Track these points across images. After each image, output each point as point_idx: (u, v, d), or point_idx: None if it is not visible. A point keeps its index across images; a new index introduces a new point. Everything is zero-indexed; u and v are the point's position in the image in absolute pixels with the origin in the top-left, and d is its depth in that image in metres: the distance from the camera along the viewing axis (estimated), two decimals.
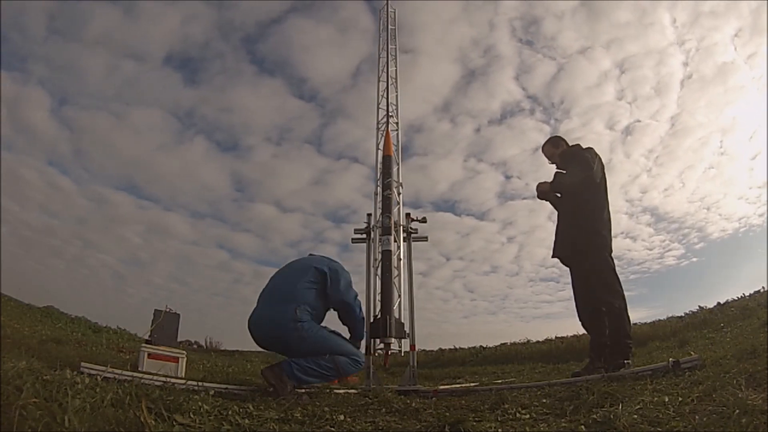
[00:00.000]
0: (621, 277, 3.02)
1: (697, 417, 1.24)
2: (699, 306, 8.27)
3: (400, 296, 3.97)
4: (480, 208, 30.82)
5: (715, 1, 21.48)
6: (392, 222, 4.07)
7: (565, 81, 27.19)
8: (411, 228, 4.31)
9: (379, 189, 4.40)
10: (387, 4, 5.55)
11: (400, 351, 3.81)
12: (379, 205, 4.31)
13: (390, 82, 5.02)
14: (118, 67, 27.01)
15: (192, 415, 1.22)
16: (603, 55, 25.97)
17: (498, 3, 25.43)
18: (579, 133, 28.00)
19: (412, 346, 3.86)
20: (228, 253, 32.04)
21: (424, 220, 4.41)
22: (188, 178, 32.77)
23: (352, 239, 4.40)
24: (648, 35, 25.01)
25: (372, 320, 3.84)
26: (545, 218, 28.05)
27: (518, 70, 26.82)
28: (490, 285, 30.17)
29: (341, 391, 2.92)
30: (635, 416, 1.35)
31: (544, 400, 1.93)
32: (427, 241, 4.45)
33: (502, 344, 11.53)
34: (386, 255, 3.94)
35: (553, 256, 3.32)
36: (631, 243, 26.65)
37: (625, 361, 2.83)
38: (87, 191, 29.50)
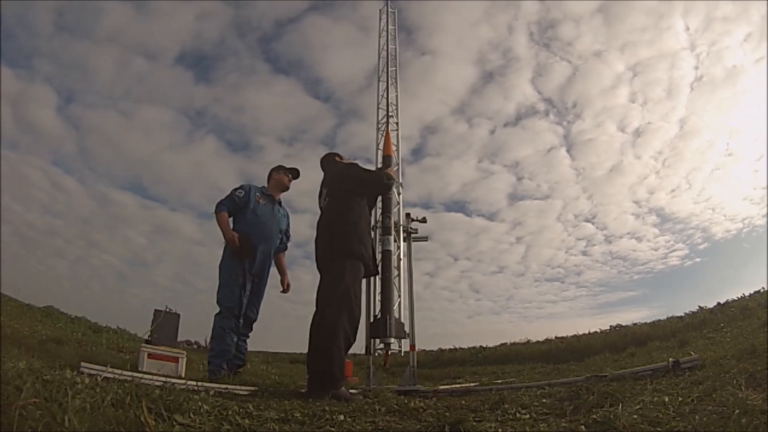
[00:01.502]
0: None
1: (697, 417, 1.24)
2: (699, 306, 8.27)
3: (400, 296, 3.97)
4: (490, 209, 31.02)
5: (728, 6, 21.73)
6: (392, 222, 4.07)
7: (579, 83, 27.53)
8: (411, 228, 4.31)
9: None
10: (387, 4, 5.55)
11: (400, 351, 3.81)
12: (379, 205, 4.32)
13: (390, 83, 5.02)
14: (128, 65, 26.94)
15: (192, 415, 1.22)
16: (617, 59, 26.31)
17: (518, 6, 25.72)
18: (591, 134, 28.37)
19: (412, 346, 3.86)
20: None
21: (424, 220, 4.41)
22: (197, 178, 32.68)
23: None
24: (662, 39, 25.49)
25: (372, 320, 3.84)
26: (554, 219, 28.29)
27: (534, 72, 27.10)
28: (496, 285, 30.33)
29: None
30: (635, 416, 1.35)
31: (544, 400, 1.93)
32: (427, 241, 4.46)
33: (502, 344, 11.54)
34: (386, 255, 3.95)
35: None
36: (637, 243, 26.85)
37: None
38: (92, 191, 29.46)
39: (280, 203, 3.76)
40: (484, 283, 30.86)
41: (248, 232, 3.42)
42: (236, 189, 3.55)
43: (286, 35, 27.89)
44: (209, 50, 29.71)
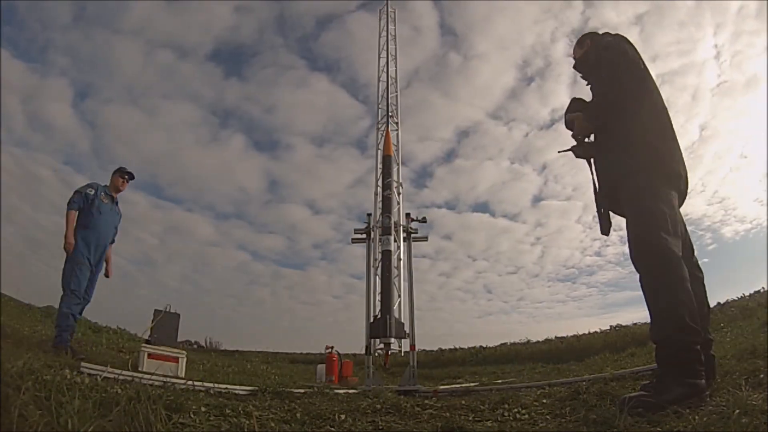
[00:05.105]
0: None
1: (697, 417, 1.24)
2: None
3: (400, 296, 3.97)
4: (514, 210, 31.24)
5: (755, 22, 22.07)
6: (392, 222, 4.07)
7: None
8: (411, 228, 4.31)
9: (379, 189, 4.40)
10: (387, 4, 5.55)
11: (400, 351, 3.81)
12: (380, 205, 4.32)
13: (390, 82, 5.03)
14: (153, 60, 26.21)
15: (192, 415, 1.22)
16: (650, 67, 26.90)
17: (563, 14, 26.32)
18: None
19: (412, 346, 3.86)
20: (249, 255, 31.33)
21: (424, 220, 4.41)
22: (220, 178, 32.11)
23: (352, 239, 4.39)
24: (692, 51, 26.21)
25: (372, 320, 3.84)
26: (574, 220, 28.44)
27: (571, 78, 27.48)
28: (510, 285, 30.37)
29: (341, 391, 2.93)
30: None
31: (544, 400, 1.93)
32: (426, 240, 4.45)
33: (502, 344, 11.54)
34: (386, 255, 3.95)
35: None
36: None
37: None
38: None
39: (116, 202, 4.11)
40: (499, 283, 30.88)
41: (91, 226, 3.84)
42: (87, 186, 3.90)
43: (328, 32, 27.06)
44: (245, 46, 28.89)
